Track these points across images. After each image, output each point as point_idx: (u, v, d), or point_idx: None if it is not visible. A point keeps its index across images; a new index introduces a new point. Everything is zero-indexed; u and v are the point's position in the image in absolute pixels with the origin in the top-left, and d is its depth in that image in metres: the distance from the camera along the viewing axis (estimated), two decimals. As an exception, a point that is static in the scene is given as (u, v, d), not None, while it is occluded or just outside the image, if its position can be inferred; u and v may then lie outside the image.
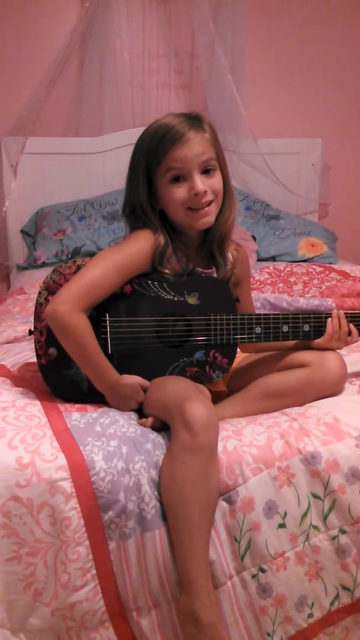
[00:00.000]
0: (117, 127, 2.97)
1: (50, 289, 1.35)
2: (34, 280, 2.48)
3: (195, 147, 1.31)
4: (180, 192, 1.33)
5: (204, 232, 1.43)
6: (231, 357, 1.40)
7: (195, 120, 1.34)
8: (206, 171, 1.34)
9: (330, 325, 1.41)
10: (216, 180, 1.35)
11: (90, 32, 2.85)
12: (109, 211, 2.87)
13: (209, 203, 1.34)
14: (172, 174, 1.32)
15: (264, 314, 1.41)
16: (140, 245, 1.35)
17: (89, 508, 1.14)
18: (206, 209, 1.34)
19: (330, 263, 2.80)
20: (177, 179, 1.33)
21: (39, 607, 1.14)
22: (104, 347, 1.32)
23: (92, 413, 1.29)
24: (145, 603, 1.17)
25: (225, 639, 1.12)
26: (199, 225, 1.36)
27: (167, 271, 1.36)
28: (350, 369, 1.47)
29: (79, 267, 1.34)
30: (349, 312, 1.45)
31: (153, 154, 1.32)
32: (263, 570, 1.19)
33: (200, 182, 1.32)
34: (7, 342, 1.89)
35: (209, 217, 1.36)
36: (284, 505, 1.21)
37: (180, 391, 1.25)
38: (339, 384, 1.41)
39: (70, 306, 1.25)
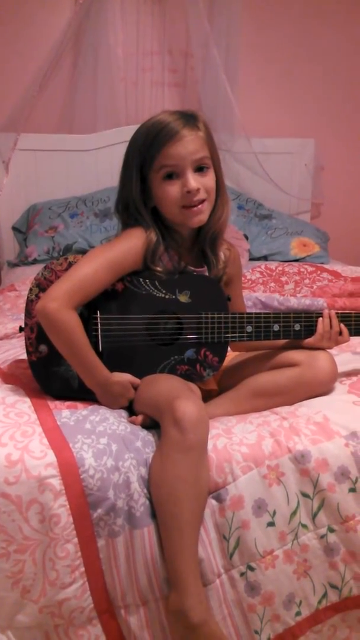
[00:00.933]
0: (110, 125, 2.96)
1: (41, 285, 1.35)
2: (25, 277, 2.47)
3: (189, 144, 1.31)
4: (173, 189, 1.33)
5: (196, 231, 1.43)
6: (222, 355, 1.40)
7: (190, 118, 1.34)
8: (199, 169, 1.34)
9: (321, 324, 1.42)
10: (209, 179, 1.35)
11: (84, 28, 2.84)
12: (101, 209, 2.86)
13: (202, 201, 1.34)
14: (165, 171, 1.32)
15: (255, 313, 1.41)
16: (132, 243, 1.35)
17: (78, 505, 1.13)
18: (199, 206, 1.34)
19: (322, 263, 2.81)
20: (170, 176, 1.33)
21: (27, 604, 1.14)
22: (94, 344, 1.32)
23: (82, 410, 1.29)
24: (134, 601, 1.17)
25: (217, 634, 1.12)
26: (192, 223, 1.36)
27: (158, 269, 1.36)
28: (341, 369, 1.48)
29: (70, 264, 1.34)
30: (340, 311, 1.46)
31: (147, 150, 1.32)
32: (252, 569, 1.20)
33: (193, 180, 1.32)
34: (-2, 339, 1.88)
35: (201, 215, 1.36)
36: (273, 504, 1.21)
37: (170, 389, 1.25)
38: (329, 384, 1.41)
39: (60, 303, 1.25)
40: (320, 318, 1.42)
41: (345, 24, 3.20)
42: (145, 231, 1.36)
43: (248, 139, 2.98)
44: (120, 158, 1.39)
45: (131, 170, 1.35)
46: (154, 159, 1.32)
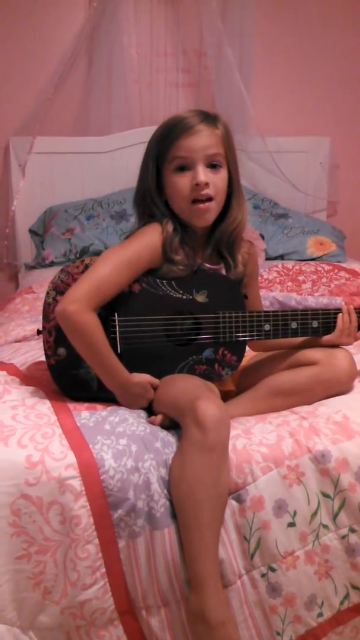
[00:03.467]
0: (125, 126, 2.97)
1: (59, 289, 1.35)
2: (43, 280, 2.49)
3: (203, 139, 1.32)
4: (182, 181, 1.33)
5: (209, 229, 1.42)
6: (240, 354, 1.40)
7: (209, 117, 1.35)
8: (212, 166, 1.34)
9: (341, 320, 1.41)
10: (220, 178, 1.35)
11: (98, 31, 2.85)
12: (117, 210, 2.87)
13: (210, 199, 1.34)
14: (177, 163, 1.33)
15: (273, 311, 1.41)
16: (147, 241, 1.35)
17: (99, 506, 1.14)
18: (206, 204, 1.34)
19: (339, 261, 2.79)
20: (182, 169, 1.33)
21: (48, 605, 1.15)
22: (113, 346, 1.32)
23: (102, 411, 1.29)
24: (155, 602, 1.17)
25: (234, 638, 1.12)
26: (198, 222, 1.37)
27: (178, 257, 1.36)
28: (360, 367, 1.47)
29: (86, 267, 1.34)
30: (358, 308, 1.44)
31: (162, 142, 1.34)
32: (273, 569, 1.19)
33: (203, 174, 1.32)
34: (17, 341, 1.89)
35: (208, 214, 1.35)
36: (293, 504, 1.20)
37: (190, 389, 1.25)
38: (348, 382, 1.40)
39: (80, 305, 1.25)
40: (340, 314, 1.41)
41: (359, 21, 3.17)
42: (162, 224, 1.36)
43: (263, 138, 2.97)
44: (136, 159, 1.41)
45: (148, 161, 1.37)
46: (168, 150, 1.33)
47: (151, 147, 1.37)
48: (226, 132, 1.36)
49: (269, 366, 1.46)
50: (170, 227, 1.36)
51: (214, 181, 1.34)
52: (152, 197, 1.37)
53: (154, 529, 1.15)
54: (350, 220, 3.33)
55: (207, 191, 1.33)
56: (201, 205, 1.34)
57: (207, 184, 1.32)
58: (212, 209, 1.36)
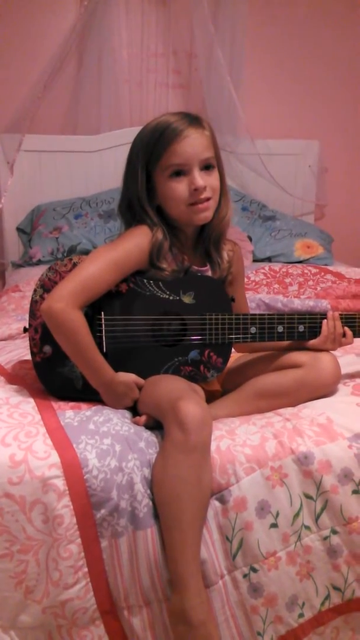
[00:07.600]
0: (114, 126, 2.97)
1: (46, 286, 1.35)
2: (29, 278, 2.48)
3: (196, 143, 1.32)
4: (180, 187, 1.34)
5: (198, 230, 1.43)
6: (226, 356, 1.41)
7: (194, 119, 1.35)
8: (206, 168, 1.35)
9: (326, 326, 1.42)
10: (214, 179, 1.36)
11: (89, 30, 2.85)
12: (105, 210, 2.87)
13: (207, 200, 1.35)
14: (172, 169, 1.33)
15: (259, 314, 1.41)
16: (137, 242, 1.35)
17: (82, 506, 1.14)
18: (205, 203, 1.35)
19: (326, 264, 2.81)
20: (177, 174, 1.34)
21: (30, 604, 1.14)
22: (99, 345, 1.32)
23: (86, 411, 1.29)
24: (137, 601, 1.17)
25: (215, 638, 1.12)
26: (198, 220, 1.37)
27: (164, 266, 1.36)
28: (344, 370, 1.48)
29: (74, 265, 1.34)
30: (343, 313, 1.46)
31: (152, 148, 1.33)
32: (254, 570, 1.20)
33: (200, 178, 1.32)
34: (2, 340, 1.88)
35: (207, 212, 1.36)
36: (276, 505, 1.21)
37: (174, 390, 1.25)
38: (332, 385, 1.41)
39: (65, 303, 1.25)
40: (325, 320, 1.42)
41: (350, 25, 3.20)
42: (151, 229, 1.36)
43: (252, 141, 2.99)
44: (125, 159, 1.40)
45: (136, 168, 1.36)
46: (160, 157, 1.33)
47: (138, 153, 1.36)
48: (212, 132, 1.38)
49: (255, 367, 1.47)
50: (159, 235, 1.36)
51: (210, 182, 1.35)
52: (142, 205, 1.37)
53: (137, 529, 1.15)
54: (338, 223, 3.35)
55: (205, 194, 1.34)
56: (200, 205, 1.35)
57: (205, 188, 1.33)
58: (211, 207, 1.37)
